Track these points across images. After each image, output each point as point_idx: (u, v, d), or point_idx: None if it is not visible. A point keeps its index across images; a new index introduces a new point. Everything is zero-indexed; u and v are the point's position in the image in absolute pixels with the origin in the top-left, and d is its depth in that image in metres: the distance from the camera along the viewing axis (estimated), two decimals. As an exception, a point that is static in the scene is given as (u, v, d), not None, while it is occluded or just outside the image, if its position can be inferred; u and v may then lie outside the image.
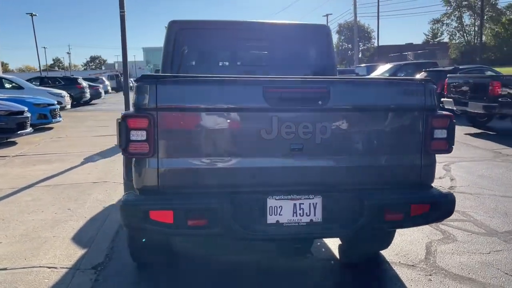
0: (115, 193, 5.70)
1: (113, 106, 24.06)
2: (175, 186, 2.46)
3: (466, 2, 69.32)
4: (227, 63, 4.30)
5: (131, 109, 2.51)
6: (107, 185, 6.07)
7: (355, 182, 2.56)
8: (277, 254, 2.78)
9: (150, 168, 2.42)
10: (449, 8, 71.44)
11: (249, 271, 3.52)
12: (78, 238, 4.13)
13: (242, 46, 4.28)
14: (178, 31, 4.14)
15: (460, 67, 15.53)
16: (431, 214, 2.54)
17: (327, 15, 44.64)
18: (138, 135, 2.37)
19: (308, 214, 2.53)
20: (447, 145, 2.57)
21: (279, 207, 2.51)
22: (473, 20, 71.11)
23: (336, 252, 3.80)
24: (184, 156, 2.44)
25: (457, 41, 71.48)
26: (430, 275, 3.40)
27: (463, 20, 71.23)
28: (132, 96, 2.63)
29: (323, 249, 3.92)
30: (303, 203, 2.52)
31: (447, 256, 3.74)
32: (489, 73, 15.84)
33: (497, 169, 6.89)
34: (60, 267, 3.50)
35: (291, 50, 4.30)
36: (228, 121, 2.44)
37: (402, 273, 3.44)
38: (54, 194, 5.65)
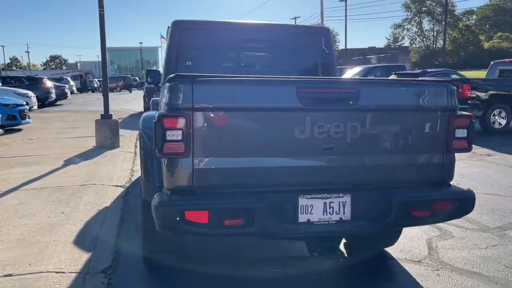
0: (106, 195, 5.58)
1: (80, 107, 23.48)
2: (209, 186, 2.45)
3: (425, 8, 71.77)
4: (231, 64, 4.30)
5: (163, 108, 2.48)
6: (96, 188, 5.93)
7: (382, 181, 2.63)
8: (309, 253, 2.81)
9: (185, 168, 2.40)
10: (409, 13, 73.75)
11: (258, 271, 3.54)
12: (80, 242, 4.02)
13: (246, 47, 4.30)
14: (182, 31, 4.11)
15: (428, 70, 16.07)
16: (454, 210, 2.65)
17: (295, 18, 45.06)
18: (174, 135, 2.35)
19: (337, 212, 2.58)
20: (467, 144, 2.68)
21: (310, 206, 2.54)
22: (432, 26, 73.72)
23: (343, 250, 3.88)
24: (218, 155, 2.44)
25: (417, 46, 73.84)
26: (437, 270, 3.53)
27: (422, 26, 73.69)
28: (164, 95, 2.59)
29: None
30: (333, 202, 2.57)
31: (449, 252, 3.88)
32: (454, 76, 16.48)
33: (475, 168, 7.19)
34: (69, 272, 3.40)
35: (294, 52, 4.36)
36: (262, 120, 2.46)
37: (411, 269, 3.55)
38: (42, 197, 5.46)
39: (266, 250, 3.96)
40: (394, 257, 3.79)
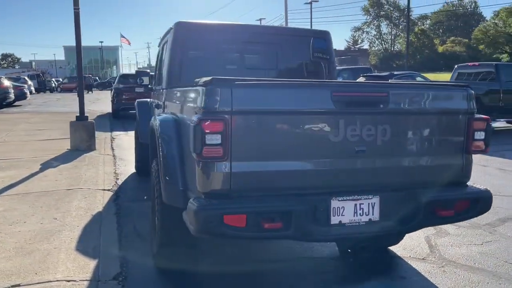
0: (96, 200, 5.43)
1: (41, 107, 22.63)
2: (245, 189, 2.45)
3: (383, 12, 73.93)
4: (235, 66, 4.29)
5: (196, 112, 2.45)
6: (83, 192, 5.75)
7: (408, 182, 2.71)
8: (343, 253, 2.85)
9: (223, 172, 2.39)
10: (368, 17, 75.77)
11: (270, 274, 3.56)
12: (82, 249, 3.89)
13: (249, 50, 4.30)
14: (186, 33, 4.07)
15: (395, 72, 16.57)
16: (474, 209, 2.77)
17: (260, 19, 45.28)
18: (213, 139, 2.33)
19: (367, 213, 2.64)
20: (485, 146, 2.81)
21: (342, 208, 2.59)
22: (390, 29, 76.01)
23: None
24: (254, 159, 2.44)
25: (376, 48, 75.95)
26: (443, 267, 3.66)
27: (381, 29, 75.88)
28: (195, 98, 2.56)
29: (334, 247, 4.06)
30: (363, 203, 2.63)
31: (449, 249, 4.04)
32: (419, 78, 17.08)
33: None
34: (80, 280, 3.29)
35: (297, 54, 4.40)
36: (298, 123, 2.48)
37: (418, 266, 3.67)
38: (28, 203, 5.24)
39: (274, 251, 3.98)
40: (399, 255, 3.90)
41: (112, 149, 9.49)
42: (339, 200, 2.58)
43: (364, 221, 2.63)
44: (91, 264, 3.58)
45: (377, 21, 75.90)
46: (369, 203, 2.64)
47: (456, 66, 13.60)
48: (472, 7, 77.04)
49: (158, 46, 5.68)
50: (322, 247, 4.09)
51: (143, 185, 6.45)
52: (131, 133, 12.27)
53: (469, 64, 13.32)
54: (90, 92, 41.85)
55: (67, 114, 17.80)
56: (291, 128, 2.49)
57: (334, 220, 2.58)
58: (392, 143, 2.63)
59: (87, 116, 9.38)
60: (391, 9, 73.84)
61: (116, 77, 24.79)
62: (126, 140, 10.89)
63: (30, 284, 3.20)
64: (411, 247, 4.06)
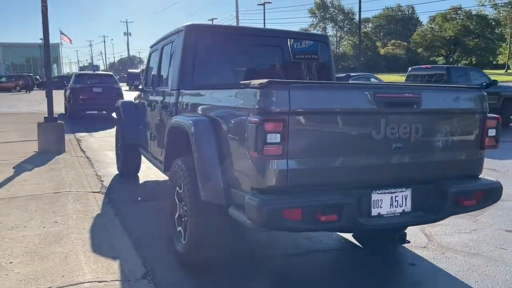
0: (90, 202, 5.35)
1: (-15, 109, 21.33)
2: (300, 185, 2.61)
3: (329, 15, 76.10)
4: (244, 68, 4.42)
5: (250, 113, 2.57)
6: (73, 195, 5.63)
7: (435, 175, 2.99)
8: (353, 245, 3.08)
9: (281, 169, 2.53)
10: (315, 19, 77.69)
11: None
12: (99, 251, 3.87)
13: (257, 53, 4.45)
14: (198, 36, 4.15)
15: (351, 74, 17.26)
16: (490, 198, 3.09)
17: (212, 19, 45.18)
18: (273, 138, 2.47)
19: (401, 205, 2.89)
20: (495, 142, 3.15)
21: (380, 200, 2.82)
22: (335, 32, 78.35)
23: (351, 239, 4.22)
24: (308, 156, 2.61)
25: (322, 50, 77.91)
26: (444, 253, 4.00)
27: (327, 31, 77.99)
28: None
29: (340, 239, 4.31)
30: (397, 196, 2.87)
31: (443, 237, 4.40)
32: (373, 80, 17.91)
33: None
34: (111, 280, 3.30)
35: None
36: (345, 122, 2.68)
37: (422, 254, 3.98)
38: (19, 207, 5.07)
39: (286, 245, 4.16)
40: (402, 245, 4.21)
41: (83, 151, 9.24)
42: (378, 193, 2.81)
43: (398, 212, 2.88)
44: (114, 265, 3.58)
45: (323, 23, 78.01)
46: (402, 196, 2.88)
47: (410, 68, 14.42)
48: (409, 12, 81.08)
49: (152, 48, 5.68)
50: (331, 240, 4.33)
51: (131, 186, 6.41)
52: (96, 135, 12.02)
53: (422, 66, 14.17)
54: (28, 92, 39.85)
55: (18, 115, 17.02)
56: (339, 127, 2.68)
57: (374, 212, 2.80)
58: (422, 140, 2.89)
59: (56, 117, 9.07)
60: (336, 11, 76.15)
61: (65, 75, 23.84)
62: (93, 142, 10.62)
63: (63, 287, 3.17)
64: (408, 237, 4.37)
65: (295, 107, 2.51)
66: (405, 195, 2.90)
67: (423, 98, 2.84)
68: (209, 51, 4.25)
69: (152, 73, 5.50)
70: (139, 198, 5.70)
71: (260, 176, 2.56)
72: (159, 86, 5.00)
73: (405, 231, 2.93)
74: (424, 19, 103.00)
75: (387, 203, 2.84)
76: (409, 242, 3.18)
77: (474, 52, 61.04)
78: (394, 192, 2.86)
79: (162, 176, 6.84)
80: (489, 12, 63.08)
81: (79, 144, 10.22)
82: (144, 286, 3.27)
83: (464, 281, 3.46)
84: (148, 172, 7.10)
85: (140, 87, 5.88)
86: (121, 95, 16.32)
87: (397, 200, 2.87)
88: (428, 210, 2.94)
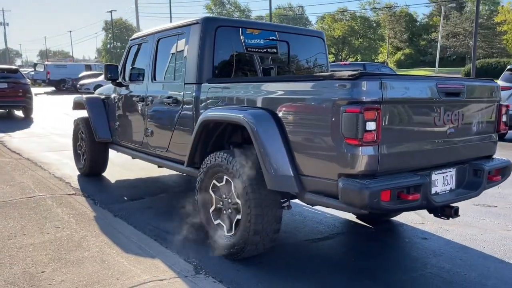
0: (77, 206, 5.02)
1: None
2: (386, 169, 2.83)
3: (225, 12, 76.85)
4: (254, 64, 4.47)
5: (339, 104, 2.73)
6: (52, 199, 5.20)
7: (470, 156, 3.43)
8: (435, 216, 3.40)
9: (374, 154, 2.74)
10: (212, 15, 77.73)
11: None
12: (131, 251, 3.71)
13: (266, 47, 4.53)
14: (217, 29, 4.13)
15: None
16: (506, 174, 3.62)
17: (111, 11, 42.87)
18: (371, 126, 2.66)
19: (449, 183, 3.27)
20: (506, 127, 3.70)
21: (436, 180, 3.17)
22: (231, 28, 79.21)
23: (358, 222, 4.59)
24: (393, 142, 2.85)
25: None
26: (441, 227, 4.54)
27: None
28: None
29: (350, 223, 4.64)
30: (447, 175, 3.25)
31: (431, 215, 4.95)
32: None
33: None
34: (170, 278, 3.22)
35: (303, 53, 4.82)
36: (419, 111, 2.99)
37: (426, 229, 4.47)
38: (6, 216, 4.57)
39: (305, 232, 4.36)
40: (403, 223, 4.67)
41: (16, 153, 8.39)
42: (435, 174, 3.15)
43: (448, 190, 3.26)
44: (158, 263, 3.48)
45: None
46: (450, 175, 3.27)
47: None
48: (300, 12, 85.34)
49: (135, 40, 5.44)
50: (342, 224, 4.63)
51: (107, 187, 6.08)
52: (15, 135, 10.93)
53: (340, 63, 15.22)
54: None
55: None
56: (415, 114, 2.96)
57: (433, 190, 3.14)
58: (464, 126, 3.30)
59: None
60: (233, 8, 77.26)
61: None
62: (18, 143, 9.65)
63: (127, 289, 3.02)
64: (404, 218, 4.84)
65: (385, 96, 2.72)
66: (451, 175, 3.28)
67: (466, 89, 3.25)
68: (226, 44, 4.25)
69: (139, 66, 5.28)
70: (125, 198, 5.45)
71: (352, 162, 2.74)
72: (155, 80, 4.84)
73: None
74: (312, 19, 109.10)
75: (440, 182, 3.20)
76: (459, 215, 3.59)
77: (359, 50, 66.37)
78: (445, 172, 3.22)
79: (131, 174, 6.59)
80: (370, 14, 69.14)
81: (5, 146, 9.24)
82: (204, 280, 3.24)
83: (474, 247, 3.99)
84: (112, 170, 6.76)
85: (118, 80, 5.58)
86: (29, 92, 14.98)
87: (447, 179, 3.25)
88: (468, 187, 3.37)
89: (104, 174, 6.58)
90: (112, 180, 6.36)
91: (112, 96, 5.82)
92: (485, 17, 52.91)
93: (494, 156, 3.74)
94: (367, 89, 2.68)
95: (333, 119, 2.80)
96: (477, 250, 3.95)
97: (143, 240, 4.00)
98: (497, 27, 48.44)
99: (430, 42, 61.74)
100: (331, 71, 4.41)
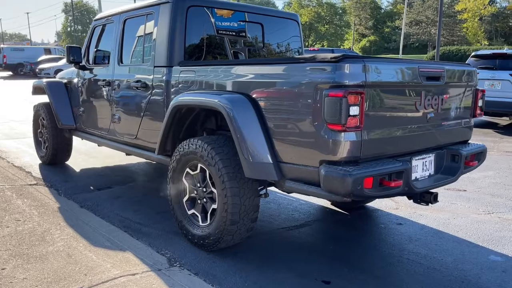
0: (39, 196, 4.74)
1: None
2: (368, 155, 2.75)
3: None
4: (227, 45, 4.28)
5: (326, 86, 2.61)
6: (11, 190, 4.90)
7: (447, 141, 3.40)
8: (415, 203, 3.35)
9: (357, 140, 2.64)
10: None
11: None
12: (99, 244, 3.52)
13: (240, 28, 4.35)
14: (188, 9, 3.92)
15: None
16: (482, 159, 3.63)
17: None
18: (354, 110, 2.56)
19: (428, 169, 3.23)
20: (481, 112, 3.69)
21: (416, 166, 3.12)
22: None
23: (334, 208, 4.54)
24: (375, 127, 2.76)
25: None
26: (415, 212, 4.55)
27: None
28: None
29: (326, 209, 4.58)
30: (426, 161, 3.20)
31: (403, 200, 4.95)
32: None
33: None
34: (142, 272, 3.06)
35: (276, 35, 4.67)
36: (401, 95, 2.91)
37: (400, 214, 4.47)
38: (-48, 208, 4.25)
39: (280, 219, 4.27)
40: (378, 208, 4.65)
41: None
42: (415, 160, 3.10)
43: (427, 175, 3.22)
44: (129, 256, 3.31)
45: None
46: (429, 161, 3.23)
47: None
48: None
49: (99, 21, 5.14)
50: (318, 211, 4.57)
51: (71, 176, 5.79)
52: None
53: (309, 49, 15.15)
54: None
55: None
56: (397, 99, 2.88)
57: (413, 176, 3.09)
58: (443, 111, 3.26)
59: None
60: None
61: None
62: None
63: (96, 285, 2.83)
64: (378, 204, 4.82)
65: (369, 79, 2.63)
66: (430, 160, 3.25)
67: (446, 73, 3.19)
68: (198, 25, 4.05)
69: (104, 48, 5.00)
70: (91, 187, 5.19)
71: (335, 148, 2.64)
72: (122, 63, 4.59)
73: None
74: (279, 4, 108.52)
75: (420, 168, 3.16)
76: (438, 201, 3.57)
77: (326, 37, 66.72)
78: (424, 158, 3.18)
79: (98, 163, 6.32)
80: (336, 1, 69.48)
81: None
82: (179, 272, 3.10)
83: (448, 232, 4.02)
84: (77, 158, 6.46)
85: (81, 63, 5.27)
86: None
87: (426, 165, 3.21)
88: (446, 172, 3.34)
89: (68, 162, 6.27)
90: (77, 169, 6.07)
91: (75, 80, 5.50)
92: (446, 5, 54.10)
93: (469, 141, 3.74)
94: (350, 72, 2.58)
95: (315, 103, 2.68)
96: (451, 235, 3.97)
97: (112, 232, 3.80)
98: (458, 16, 49.75)
99: (394, 29, 62.86)
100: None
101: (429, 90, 3.09)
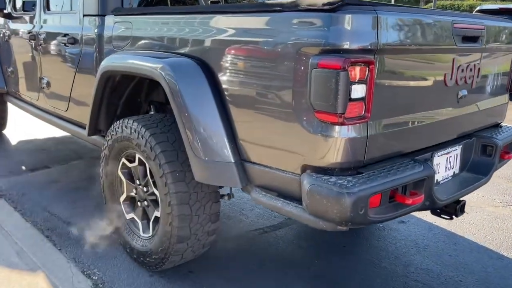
0: None
1: None
2: (375, 157, 1.82)
3: None
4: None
5: (315, 51, 1.64)
6: None
7: (479, 126, 2.48)
8: (437, 215, 2.43)
9: (361, 136, 1.70)
10: None
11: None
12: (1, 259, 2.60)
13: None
14: None
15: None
16: None
17: None
18: (359, 91, 1.61)
19: (452, 167, 2.32)
20: None
21: (438, 164, 2.20)
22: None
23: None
24: (388, 115, 1.82)
25: None
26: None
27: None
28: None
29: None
30: (451, 156, 2.29)
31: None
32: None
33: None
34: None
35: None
36: (427, 64, 1.95)
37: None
38: None
39: (256, 220, 3.39)
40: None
41: None
42: (438, 156, 2.18)
43: (449, 176, 2.32)
44: (38, 282, 2.41)
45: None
46: (454, 155, 2.32)
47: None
48: None
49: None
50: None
51: (3, 150, 4.77)
52: None
53: None
54: None
55: None
56: (423, 70, 1.94)
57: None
58: (479, 85, 2.32)
59: None
60: None
61: None
62: None
63: None
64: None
65: (383, 41, 1.65)
66: (456, 154, 2.34)
67: (486, 32, 2.23)
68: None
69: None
70: (23, 167, 4.22)
71: (325, 149, 1.70)
72: (49, 10, 3.51)
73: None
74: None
75: (442, 166, 2.25)
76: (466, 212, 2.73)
77: None
78: (448, 152, 2.27)
79: (42, 134, 5.29)
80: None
81: None
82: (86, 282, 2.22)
83: (462, 234, 3.20)
84: (18, 128, 5.43)
85: (6, 11, 4.15)
86: None
87: (450, 161, 2.30)
88: (475, 170, 2.44)
89: (5, 132, 5.24)
90: (13, 141, 5.05)
91: (2, 31, 4.39)
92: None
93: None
94: (354, 29, 1.60)
95: (296, 78, 1.71)
96: (467, 240, 3.15)
97: (29, 238, 2.88)
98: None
99: (386, -18, 60.49)
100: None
101: (464, 56, 2.13)
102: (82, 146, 5.00)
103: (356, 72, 1.59)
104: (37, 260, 2.62)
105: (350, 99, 1.59)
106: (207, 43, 2.10)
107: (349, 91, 1.58)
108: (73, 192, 3.65)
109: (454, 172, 2.35)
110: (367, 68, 1.61)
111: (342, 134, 1.66)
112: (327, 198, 1.63)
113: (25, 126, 5.53)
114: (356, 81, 1.59)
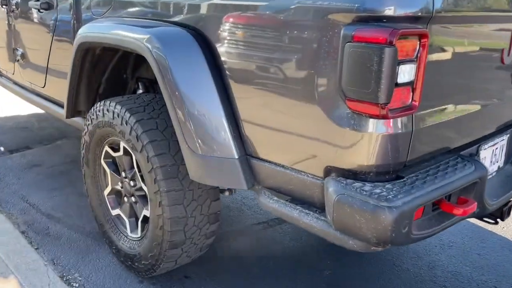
0: None
1: None
2: (418, 157, 1.44)
3: None
4: None
5: (348, 20, 1.24)
6: None
7: None
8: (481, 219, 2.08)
9: (404, 132, 1.31)
10: None
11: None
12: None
13: None
14: None
15: None
16: None
17: None
18: (406, 74, 1.22)
19: (498, 160, 1.95)
20: None
21: (484, 158, 1.83)
22: None
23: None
24: (437, 104, 1.44)
25: None
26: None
27: None
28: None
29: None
30: (497, 148, 1.92)
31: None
32: None
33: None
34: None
35: None
36: (491, 39, 1.56)
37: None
38: None
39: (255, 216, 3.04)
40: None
41: None
42: (484, 149, 1.81)
43: (494, 170, 1.95)
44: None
45: None
46: (500, 146, 1.94)
47: None
48: None
49: None
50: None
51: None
52: None
53: None
54: None
55: None
56: (478, 45, 1.54)
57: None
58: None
59: None
60: None
61: None
62: None
63: None
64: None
65: (438, 5, 1.25)
66: (502, 146, 1.96)
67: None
68: None
69: None
70: (1, 148, 3.83)
71: (358, 147, 1.31)
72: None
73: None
74: None
75: (488, 160, 1.88)
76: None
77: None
78: (495, 144, 1.89)
79: (27, 110, 4.86)
80: None
81: None
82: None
83: (489, 228, 2.86)
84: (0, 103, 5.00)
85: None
86: None
87: (496, 154, 1.93)
88: (521, 163, 2.07)
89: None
90: (-10, 119, 4.64)
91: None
92: None
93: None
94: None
95: (323, 55, 1.31)
96: (495, 235, 2.82)
97: (2, 234, 2.52)
98: None
99: None
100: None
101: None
102: (68, 124, 4.58)
103: (407, 48, 1.18)
104: (9, 262, 2.26)
105: (396, 84, 1.20)
106: (204, 8, 1.68)
107: (394, 73, 1.18)
108: (56, 178, 3.28)
109: (498, 166, 1.98)
110: (418, 42, 1.21)
111: (383, 129, 1.27)
112: (360, 213, 1.26)
113: (5, 101, 5.09)
114: (405, 60, 1.19)
